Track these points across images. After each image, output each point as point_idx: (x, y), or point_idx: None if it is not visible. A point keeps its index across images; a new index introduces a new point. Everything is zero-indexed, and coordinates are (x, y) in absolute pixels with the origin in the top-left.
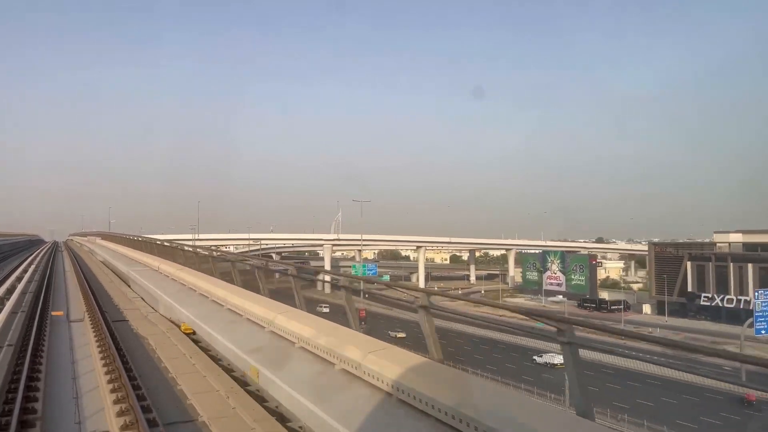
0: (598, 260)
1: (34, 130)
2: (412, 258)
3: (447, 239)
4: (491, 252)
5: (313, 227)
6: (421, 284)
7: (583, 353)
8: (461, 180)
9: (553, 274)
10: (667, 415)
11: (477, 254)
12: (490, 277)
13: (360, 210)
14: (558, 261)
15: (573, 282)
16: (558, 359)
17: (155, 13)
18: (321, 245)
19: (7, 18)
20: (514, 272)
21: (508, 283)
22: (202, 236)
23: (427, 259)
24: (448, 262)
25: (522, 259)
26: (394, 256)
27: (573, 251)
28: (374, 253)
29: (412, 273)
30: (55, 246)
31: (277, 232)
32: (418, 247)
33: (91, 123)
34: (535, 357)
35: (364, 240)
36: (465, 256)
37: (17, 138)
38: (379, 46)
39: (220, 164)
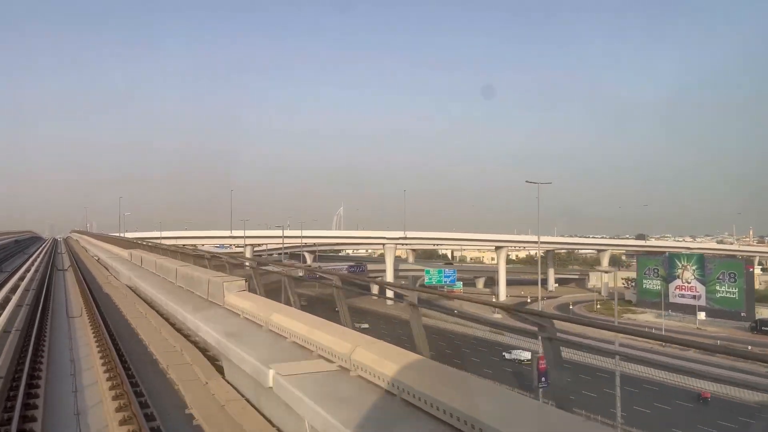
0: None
1: (37, 121)
2: (450, 258)
3: (535, 238)
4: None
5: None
6: (502, 292)
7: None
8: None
9: (686, 284)
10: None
11: (521, 254)
12: (563, 282)
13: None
14: (694, 267)
15: (719, 295)
16: (525, 355)
17: (162, 14)
18: (381, 245)
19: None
20: (608, 278)
21: (600, 292)
22: (236, 233)
23: (471, 259)
24: (494, 261)
25: (639, 264)
26: (430, 255)
27: (685, 252)
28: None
29: (476, 277)
30: (52, 253)
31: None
32: (498, 248)
33: (96, 117)
34: (504, 353)
35: (433, 238)
36: (513, 255)
37: (18, 129)
38: (386, 48)
39: (225, 161)
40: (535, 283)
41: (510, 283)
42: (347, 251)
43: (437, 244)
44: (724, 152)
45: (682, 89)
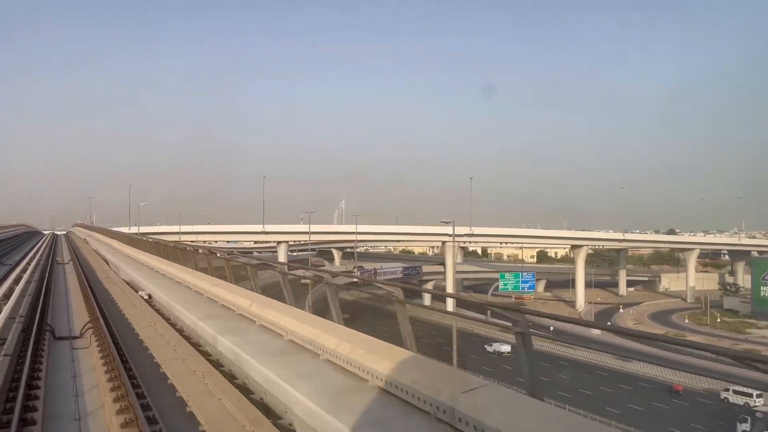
0: None
1: (38, 117)
2: (481, 254)
3: (620, 236)
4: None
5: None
6: (581, 298)
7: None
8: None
9: None
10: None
11: (560, 252)
12: (630, 284)
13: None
14: None
15: None
16: (505, 348)
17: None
18: (440, 242)
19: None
20: (694, 280)
21: (685, 297)
22: (268, 227)
23: (508, 256)
24: (534, 260)
25: (756, 267)
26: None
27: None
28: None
29: (538, 279)
30: (48, 268)
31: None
32: (574, 247)
33: (96, 115)
34: (485, 346)
35: (502, 235)
36: (552, 252)
37: (18, 125)
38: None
39: (225, 157)
40: (601, 285)
41: (565, 285)
42: (366, 248)
43: (504, 243)
44: (723, 150)
45: (682, 87)
